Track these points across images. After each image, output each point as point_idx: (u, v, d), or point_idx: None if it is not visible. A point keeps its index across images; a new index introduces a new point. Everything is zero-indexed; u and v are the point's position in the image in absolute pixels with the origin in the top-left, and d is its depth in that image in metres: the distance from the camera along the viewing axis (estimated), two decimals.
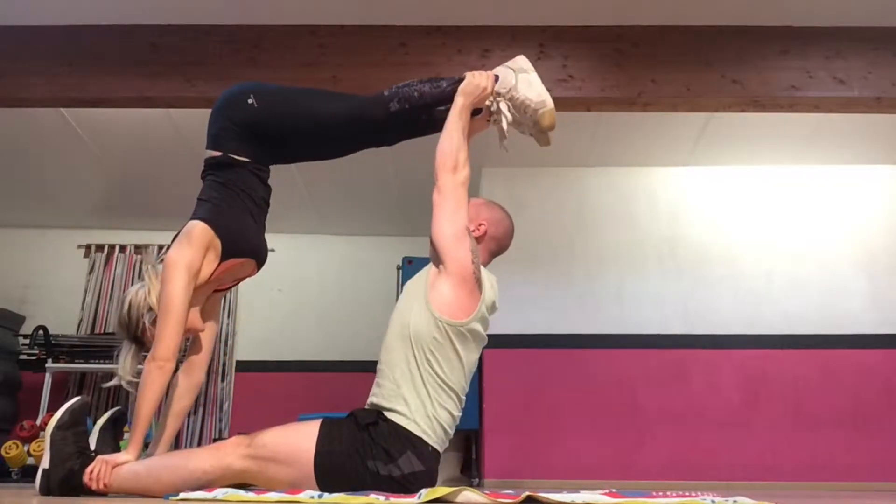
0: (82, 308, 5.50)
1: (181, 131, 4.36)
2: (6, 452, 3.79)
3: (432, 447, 1.80)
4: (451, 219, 1.93)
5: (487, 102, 2.15)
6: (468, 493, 1.53)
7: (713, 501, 1.54)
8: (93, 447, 1.90)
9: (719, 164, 4.84)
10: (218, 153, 2.11)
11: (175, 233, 2.04)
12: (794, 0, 3.25)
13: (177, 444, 1.83)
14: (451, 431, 1.88)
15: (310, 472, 1.73)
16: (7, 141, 4.52)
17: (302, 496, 1.58)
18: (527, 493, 1.57)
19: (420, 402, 1.79)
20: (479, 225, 2.04)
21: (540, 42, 3.38)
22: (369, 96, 2.16)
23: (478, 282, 1.90)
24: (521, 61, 2.21)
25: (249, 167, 2.12)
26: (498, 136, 2.17)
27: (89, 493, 1.77)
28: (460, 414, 1.91)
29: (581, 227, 4.75)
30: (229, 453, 1.75)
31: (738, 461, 4.21)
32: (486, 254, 2.07)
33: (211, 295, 2.16)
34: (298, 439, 1.77)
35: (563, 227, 4.74)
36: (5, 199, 5.37)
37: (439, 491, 1.54)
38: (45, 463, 1.82)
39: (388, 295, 5.52)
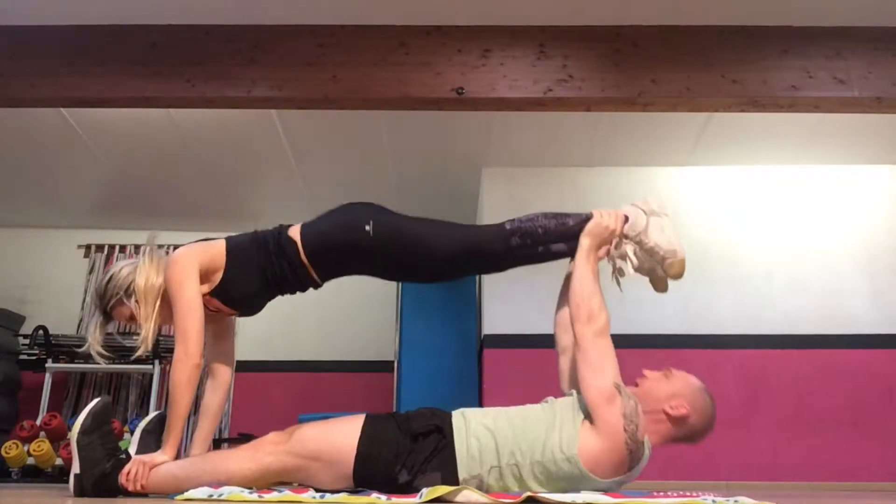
0: (82, 308, 5.50)
1: (181, 131, 4.36)
2: (6, 452, 3.79)
3: (457, 484, 1.70)
4: (598, 375, 1.76)
5: (613, 243, 2.02)
6: (468, 493, 1.53)
7: (714, 501, 1.54)
8: (134, 451, 1.89)
9: (719, 164, 4.84)
10: (299, 248, 1.99)
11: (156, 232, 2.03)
12: (794, 0, 3.25)
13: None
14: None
15: (349, 472, 1.70)
16: (7, 141, 4.52)
17: (305, 496, 1.58)
18: (528, 493, 1.57)
19: (481, 457, 1.71)
20: (681, 405, 1.79)
21: (540, 42, 3.38)
22: (490, 229, 2.05)
23: (630, 454, 1.68)
24: (654, 203, 2.06)
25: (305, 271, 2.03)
26: (612, 270, 2.05)
27: (125, 493, 1.76)
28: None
29: None
30: (268, 452, 1.73)
31: (738, 461, 4.21)
32: (671, 436, 1.82)
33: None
34: (341, 436, 1.73)
35: None
36: (5, 199, 5.37)
37: (439, 490, 1.54)
38: (75, 468, 1.80)
39: (388, 295, 5.53)
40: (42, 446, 3.81)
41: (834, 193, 4.80)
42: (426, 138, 4.44)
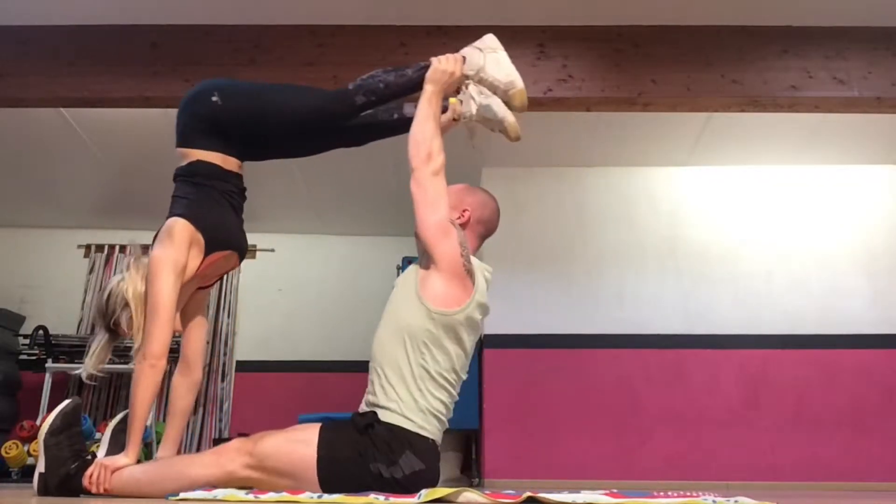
0: (82, 308, 5.50)
1: None
2: (6, 452, 3.79)
3: (431, 440, 1.79)
4: (433, 210, 1.89)
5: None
6: (469, 494, 1.53)
7: (714, 501, 1.54)
8: (104, 451, 1.89)
9: (719, 164, 4.84)
10: (186, 161, 2.07)
11: (154, 232, 2.02)
12: (794, 0, 3.25)
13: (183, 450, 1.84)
14: (447, 419, 1.87)
15: (314, 478, 1.71)
16: (7, 141, 4.52)
17: (302, 497, 1.58)
18: (528, 493, 1.57)
19: (411, 397, 1.78)
20: (464, 211, 2.01)
21: (540, 42, 3.38)
22: (334, 91, 2.14)
23: (469, 274, 1.87)
24: (489, 40, 2.11)
25: (215, 167, 2.09)
26: (466, 134, 2.14)
27: (88, 495, 1.77)
28: (455, 399, 1.90)
29: (581, 227, 4.75)
30: (231, 460, 1.74)
31: (738, 461, 4.21)
32: (476, 238, 2.03)
33: (195, 293, 2.15)
34: (299, 448, 1.74)
35: (563, 227, 4.74)
36: (5, 199, 5.37)
37: (439, 492, 1.54)
38: (40, 467, 1.82)
39: (388, 295, 5.52)
40: None
41: (834, 193, 4.80)
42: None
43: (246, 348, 5.65)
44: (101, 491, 1.75)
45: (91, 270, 5.63)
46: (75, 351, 4.91)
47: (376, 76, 2.10)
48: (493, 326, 4.54)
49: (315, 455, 1.72)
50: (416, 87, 2.05)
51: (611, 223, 4.76)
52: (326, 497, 1.58)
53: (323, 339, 5.72)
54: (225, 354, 5.49)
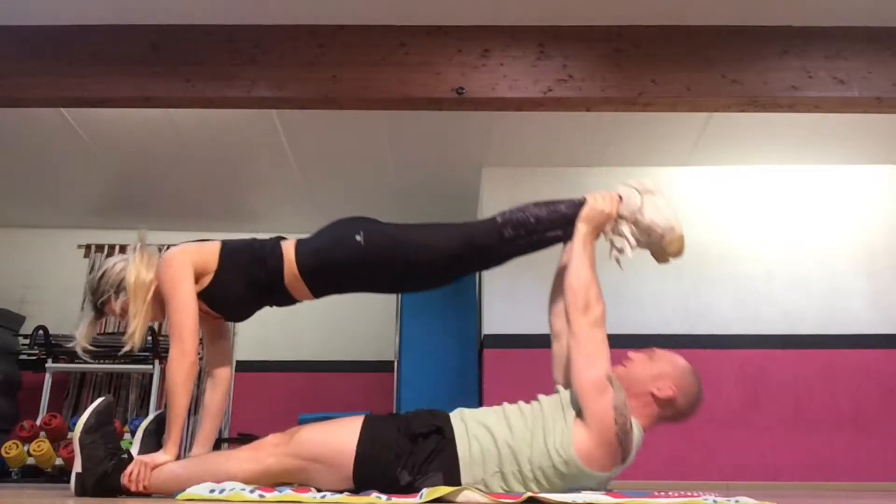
0: (82, 308, 5.50)
1: (181, 131, 4.35)
2: (6, 452, 3.79)
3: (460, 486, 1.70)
4: (589, 364, 1.75)
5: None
6: (469, 493, 1.53)
7: (715, 501, 1.54)
8: (136, 452, 1.89)
9: (719, 164, 4.84)
10: (291, 263, 1.98)
11: (155, 231, 2.02)
12: (794, 0, 3.25)
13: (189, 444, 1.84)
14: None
15: (349, 473, 1.69)
16: (7, 141, 4.52)
17: (306, 496, 1.58)
18: (528, 493, 1.57)
19: (483, 460, 1.71)
20: (668, 387, 1.81)
21: (540, 42, 3.38)
22: (480, 224, 2.03)
23: (621, 444, 1.69)
24: (648, 182, 2.04)
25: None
26: (609, 250, 2.03)
27: (127, 493, 1.76)
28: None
29: None
30: (269, 454, 1.73)
31: (738, 461, 4.21)
32: (658, 418, 1.85)
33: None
34: (340, 438, 1.72)
35: None
36: (5, 199, 5.37)
37: (440, 490, 1.54)
38: (77, 467, 1.80)
39: (389, 295, 5.52)
40: (42, 446, 3.81)
41: (834, 193, 4.80)
42: (426, 138, 4.43)
43: (246, 348, 5.64)
44: (141, 489, 1.75)
45: (91, 270, 5.63)
46: (75, 351, 4.90)
47: (527, 210, 2.01)
48: (493, 326, 4.54)
49: (354, 449, 1.70)
50: (567, 220, 1.98)
51: None
52: (329, 496, 1.58)
53: (323, 339, 5.72)
54: None
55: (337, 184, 5.13)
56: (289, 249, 2.00)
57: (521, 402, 1.85)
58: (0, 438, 4.06)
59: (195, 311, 1.90)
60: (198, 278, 1.95)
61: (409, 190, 5.12)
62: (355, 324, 5.74)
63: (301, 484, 1.75)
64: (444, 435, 1.73)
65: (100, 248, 5.69)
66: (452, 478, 1.69)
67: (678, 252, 1.98)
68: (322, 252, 1.99)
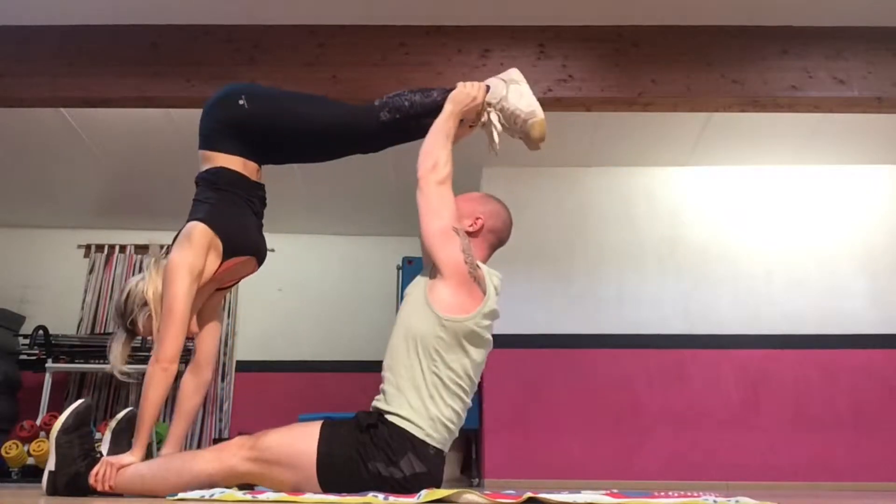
0: (82, 308, 5.51)
1: (181, 131, 4.35)
2: (6, 452, 3.79)
3: (435, 448, 1.78)
4: (436, 217, 1.89)
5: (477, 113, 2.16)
6: (469, 496, 1.53)
7: (715, 501, 1.54)
8: (106, 451, 1.91)
9: (719, 164, 4.84)
10: (209, 165, 2.12)
11: (175, 233, 2.04)
12: (794, 0, 3.25)
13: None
14: (457, 429, 1.86)
15: (312, 474, 1.72)
16: (7, 141, 4.52)
17: (301, 497, 1.58)
18: (528, 493, 1.57)
19: (422, 404, 1.78)
20: (476, 219, 2.00)
21: (540, 42, 3.38)
22: (361, 106, 2.16)
23: (477, 280, 1.86)
24: (514, 73, 2.20)
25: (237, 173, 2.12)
26: (487, 141, 2.18)
27: (95, 493, 1.78)
28: (469, 406, 1.89)
29: (581, 227, 4.75)
30: (233, 454, 1.75)
31: (738, 461, 4.21)
32: (486, 248, 2.03)
33: (213, 294, 2.16)
34: (300, 442, 1.76)
35: (563, 227, 4.74)
36: (5, 199, 5.37)
37: (439, 493, 1.54)
38: (50, 465, 1.83)
39: (388, 295, 5.53)
40: (42, 446, 3.81)
41: (834, 193, 4.80)
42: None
43: (246, 348, 5.65)
44: (107, 488, 1.77)
45: (91, 270, 5.63)
46: (75, 351, 4.91)
47: (403, 95, 2.15)
48: (493, 326, 4.54)
49: (315, 451, 1.73)
50: (440, 108, 2.10)
51: (611, 223, 4.76)
52: (325, 497, 1.58)
53: (323, 339, 5.72)
54: (225, 354, 5.49)
55: (336, 184, 5.13)
56: (207, 157, 2.15)
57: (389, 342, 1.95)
58: (0, 438, 4.06)
59: (183, 319, 1.90)
60: (208, 256, 1.98)
61: (409, 190, 5.11)
62: (355, 324, 5.74)
63: (268, 488, 1.77)
64: (385, 421, 1.77)
65: (100, 248, 5.69)
66: (418, 447, 1.74)
67: (540, 135, 2.13)
68: (217, 123, 2.13)
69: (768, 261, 4.64)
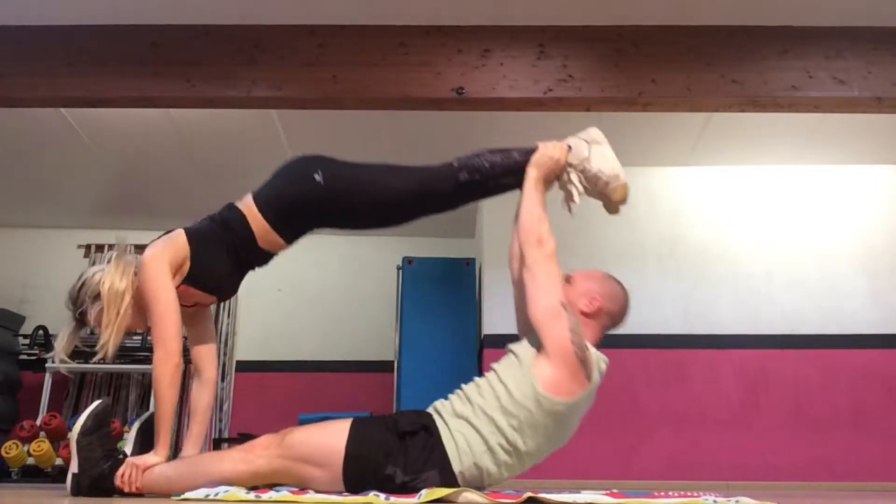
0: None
1: (181, 131, 4.36)
2: (6, 452, 3.79)
3: (458, 484, 1.72)
4: (544, 294, 1.82)
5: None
6: (469, 495, 1.53)
7: (715, 502, 1.54)
8: (131, 451, 1.91)
9: (719, 164, 4.84)
10: (241, 207, 2.05)
11: (154, 231, 2.02)
12: (793, 0, 3.25)
13: (178, 444, 1.83)
14: (488, 483, 1.78)
15: (339, 473, 1.70)
16: (7, 141, 4.52)
17: (303, 497, 1.58)
18: (528, 493, 1.57)
19: (471, 447, 1.72)
20: (593, 300, 1.92)
21: (540, 42, 3.38)
22: (437, 168, 2.08)
23: (583, 364, 1.77)
24: (594, 133, 2.15)
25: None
26: (565, 198, 2.13)
27: (121, 494, 1.78)
28: (511, 475, 1.80)
29: (581, 227, 4.74)
30: (260, 455, 1.73)
31: (738, 461, 4.21)
32: (599, 330, 1.95)
33: (196, 309, 2.16)
34: (329, 439, 1.73)
35: (563, 227, 4.70)
36: (5, 199, 5.37)
37: (439, 492, 1.54)
38: (73, 468, 1.82)
39: (389, 295, 5.52)
40: (42, 446, 3.81)
41: (834, 193, 4.80)
42: (426, 138, 4.44)
43: (246, 348, 5.65)
44: (133, 490, 1.76)
45: None
46: (75, 351, 4.89)
47: (482, 155, 2.08)
48: (492, 326, 4.54)
49: (343, 450, 1.70)
50: (520, 168, 2.05)
51: (611, 223, 4.74)
52: (326, 497, 1.58)
53: (323, 339, 5.72)
54: (225, 354, 5.49)
55: None
56: (248, 207, 2.05)
57: (475, 378, 1.88)
58: (0, 438, 4.06)
59: (177, 312, 1.90)
60: (177, 270, 1.95)
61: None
62: (355, 324, 5.74)
63: (294, 486, 1.75)
64: (431, 433, 1.74)
65: (100, 248, 5.69)
66: (446, 473, 1.70)
67: (622, 199, 2.10)
68: (283, 197, 2.04)
69: (768, 261, 4.64)
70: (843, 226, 4.71)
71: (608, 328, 2.00)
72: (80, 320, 2.01)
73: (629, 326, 4.64)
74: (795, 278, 4.59)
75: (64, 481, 1.86)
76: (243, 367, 5.59)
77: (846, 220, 4.72)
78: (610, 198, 2.09)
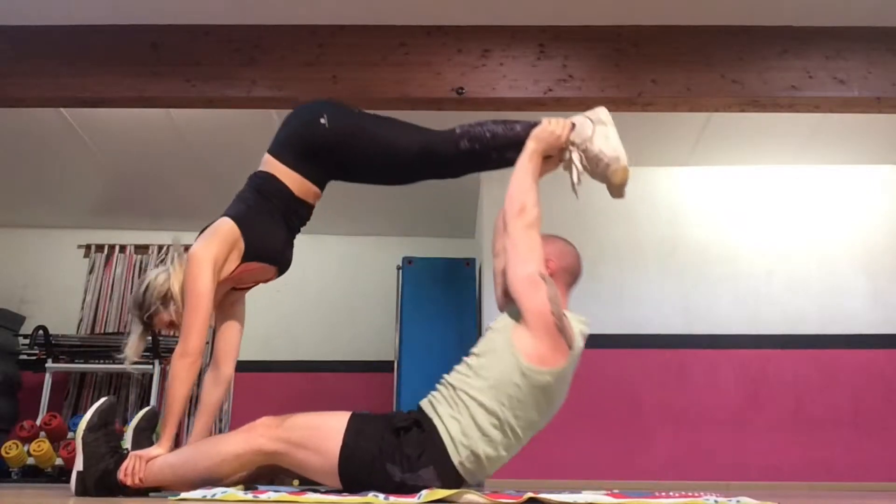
0: (82, 308, 5.50)
1: (181, 131, 4.35)
2: (6, 452, 3.79)
3: (458, 474, 1.73)
4: (523, 263, 1.83)
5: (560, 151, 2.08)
6: (469, 496, 1.53)
7: (716, 502, 1.54)
8: (129, 448, 1.91)
9: (719, 164, 4.84)
10: (266, 169, 2.12)
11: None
12: (794, 0, 3.25)
13: (177, 444, 1.83)
14: (491, 468, 1.79)
15: (334, 463, 1.70)
16: (7, 141, 4.52)
17: (303, 497, 1.58)
18: (529, 493, 1.57)
19: (465, 435, 1.73)
20: (547, 261, 1.91)
21: (540, 42, 3.38)
22: (441, 132, 2.11)
23: (562, 332, 1.77)
24: (602, 113, 2.11)
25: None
26: (571, 182, 2.11)
27: (125, 492, 1.78)
28: (512, 453, 1.81)
29: (581, 227, 4.74)
30: (260, 434, 1.74)
31: (738, 461, 4.21)
32: (564, 288, 1.95)
33: (229, 292, 2.18)
34: (327, 428, 1.74)
35: (563, 227, 4.70)
36: (5, 199, 5.37)
37: (440, 493, 1.54)
38: (78, 465, 1.82)
39: (388, 295, 5.53)
40: (42, 446, 3.81)
41: (834, 193, 4.80)
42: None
43: (246, 348, 5.60)
44: (137, 481, 1.76)
45: (91, 270, 5.63)
46: (75, 351, 4.91)
47: (484, 125, 2.09)
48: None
49: (341, 441, 1.71)
50: (521, 141, 2.04)
51: (611, 223, 4.76)
52: (325, 497, 1.58)
53: (323, 339, 5.72)
54: None
55: (336, 184, 5.12)
56: (269, 163, 2.11)
57: (455, 366, 1.91)
58: (0, 438, 4.06)
59: (207, 311, 1.91)
60: (228, 255, 1.98)
61: (408, 190, 5.11)
62: (355, 324, 5.74)
63: (291, 468, 1.77)
64: (423, 427, 1.75)
65: (100, 248, 5.69)
66: (445, 467, 1.71)
67: (621, 182, 2.05)
68: (295, 138, 2.10)
69: (768, 261, 4.64)
70: (843, 226, 4.71)
71: (571, 284, 2.01)
72: (148, 324, 2.02)
73: (629, 326, 4.66)
74: (795, 278, 4.59)
75: (64, 481, 1.86)
76: (243, 367, 5.52)
77: (846, 220, 4.72)
78: (609, 179, 2.06)
